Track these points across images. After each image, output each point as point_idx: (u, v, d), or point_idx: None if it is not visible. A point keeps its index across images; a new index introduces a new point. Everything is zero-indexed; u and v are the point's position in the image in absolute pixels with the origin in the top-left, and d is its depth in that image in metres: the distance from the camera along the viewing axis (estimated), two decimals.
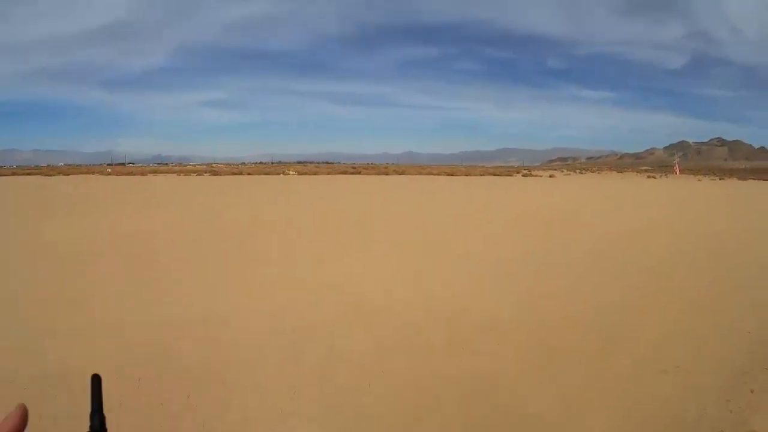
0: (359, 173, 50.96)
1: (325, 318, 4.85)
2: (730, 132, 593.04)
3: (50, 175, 43.46)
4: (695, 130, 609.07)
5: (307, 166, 67.30)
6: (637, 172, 55.42)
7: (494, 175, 51.93)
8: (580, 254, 8.57)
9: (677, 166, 50.39)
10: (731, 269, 7.58)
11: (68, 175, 44.76)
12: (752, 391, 3.51)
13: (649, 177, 47.29)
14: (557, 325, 4.77)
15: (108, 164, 74.29)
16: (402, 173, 51.25)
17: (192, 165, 76.24)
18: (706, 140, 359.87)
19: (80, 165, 71.25)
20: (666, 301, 5.73)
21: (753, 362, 4.01)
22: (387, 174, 49.64)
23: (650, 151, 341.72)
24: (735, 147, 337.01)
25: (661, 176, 47.01)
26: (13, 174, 46.73)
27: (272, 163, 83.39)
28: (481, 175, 51.68)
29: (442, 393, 3.37)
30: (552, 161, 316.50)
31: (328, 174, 49.82)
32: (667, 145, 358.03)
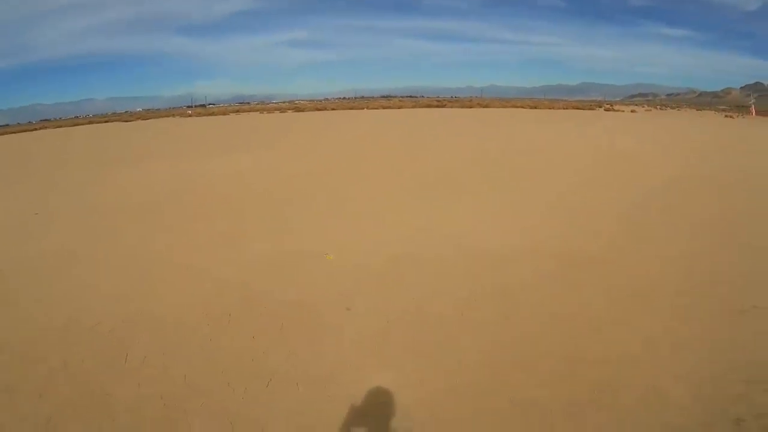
0: (443, 106, 47.50)
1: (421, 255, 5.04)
2: None
3: (128, 121, 42.36)
4: None
5: (391, 101, 64.21)
6: (715, 110, 54.25)
7: (577, 108, 48.12)
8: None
9: (753, 107, 48.65)
10: None
11: (147, 119, 43.15)
12: None
13: (726, 116, 44.93)
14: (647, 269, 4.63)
15: (188, 106, 69.71)
16: (486, 106, 47.57)
17: (274, 103, 71.22)
18: None
19: (159, 109, 67.04)
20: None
21: None
22: (471, 107, 46.14)
23: (726, 91, 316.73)
24: None
25: (738, 116, 44.89)
26: (90, 123, 45.61)
27: (355, 98, 77.73)
28: (564, 108, 48.30)
29: (536, 332, 3.49)
30: (633, 96, 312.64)
31: (413, 107, 46.38)
32: (743, 85, 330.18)
